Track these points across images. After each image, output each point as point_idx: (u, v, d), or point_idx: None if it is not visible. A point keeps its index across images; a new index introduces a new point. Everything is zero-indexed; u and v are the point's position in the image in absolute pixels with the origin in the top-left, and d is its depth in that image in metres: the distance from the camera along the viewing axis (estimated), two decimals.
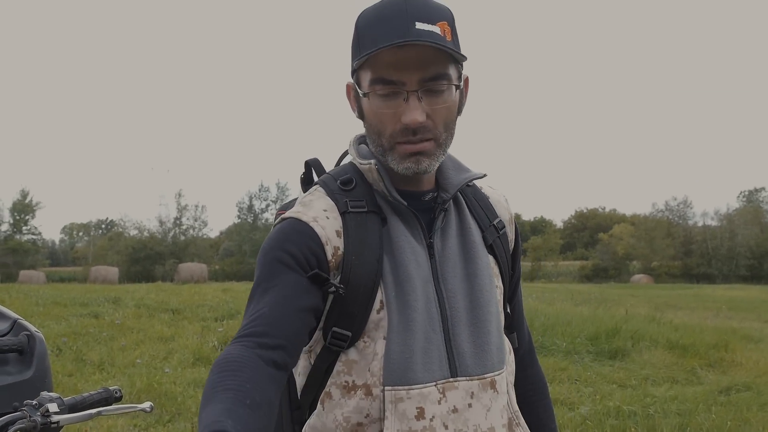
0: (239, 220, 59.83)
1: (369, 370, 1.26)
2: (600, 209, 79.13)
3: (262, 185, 61.99)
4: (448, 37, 1.25)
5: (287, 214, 1.32)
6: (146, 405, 1.63)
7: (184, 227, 56.11)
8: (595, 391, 7.31)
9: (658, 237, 53.90)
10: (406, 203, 1.31)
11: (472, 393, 1.28)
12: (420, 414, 1.24)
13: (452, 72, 1.28)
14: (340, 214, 1.31)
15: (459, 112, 1.35)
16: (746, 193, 63.03)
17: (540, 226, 68.66)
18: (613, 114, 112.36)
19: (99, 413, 1.54)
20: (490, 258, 1.40)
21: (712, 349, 9.62)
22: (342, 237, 1.29)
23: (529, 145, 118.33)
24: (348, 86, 1.37)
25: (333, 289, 1.25)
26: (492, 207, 1.46)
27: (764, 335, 12.03)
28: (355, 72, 1.32)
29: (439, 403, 1.25)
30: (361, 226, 1.30)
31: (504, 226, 1.45)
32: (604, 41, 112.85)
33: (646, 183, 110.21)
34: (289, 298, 1.20)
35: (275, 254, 1.25)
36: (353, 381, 1.28)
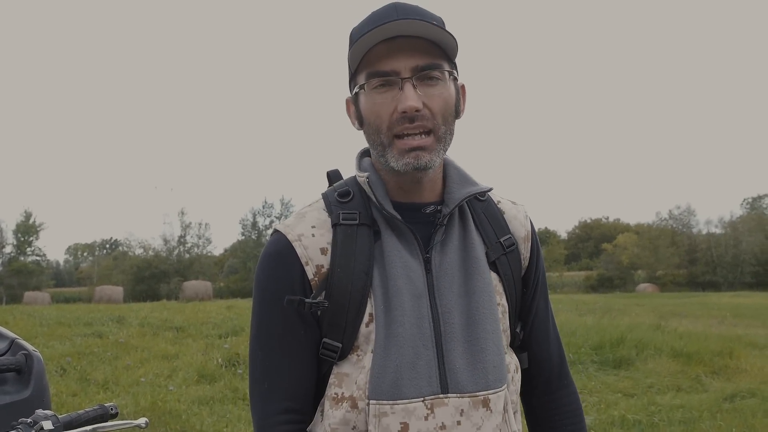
0: (243, 237, 59.94)
1: (356, 383, 1.28)
2: (604, 219, 79.26)
3: (265, 202, 62.10)
4: None
5: (278, 225, 1.35)
6: (141, 421, 1.64)
7: (188, 245, 56.31)
8: (600, 400, 7.29)
9: (662, 246, 53.84)
10: (400, 217, 1.31)
11: (462, 410, 1.25)
12: (404, 429, 1.23)
13: (445, 65, 1.30)
14: (333, 226, 1.33)
15: (457, 113, 1.35)
16: (750, 200, 63.18)
17: (544, 237, 68.45)
18: (615, 124, 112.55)
19: (94, 430, 1.56)
20: (493, 275, 1.36)
21: (716, 356, 9.59)
22: (328, 253, 1.31)
23: (532, 156, 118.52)
24: (347, 101, 1.40)
25: (308, 307, 1.27)
26: (504, 223, 1.42)
27: None
28: (354, 79, 1.35)
29: (426, 419, 1.24)
30: (350, 238, 1.31)
31: (514, 244, 1.41)
32: (607, 51, 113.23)
33: (649, 192, 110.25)
34: (296, 360, 1.32)
35: (269, 294, 1.32)
36: (342, 393, 1.29)
